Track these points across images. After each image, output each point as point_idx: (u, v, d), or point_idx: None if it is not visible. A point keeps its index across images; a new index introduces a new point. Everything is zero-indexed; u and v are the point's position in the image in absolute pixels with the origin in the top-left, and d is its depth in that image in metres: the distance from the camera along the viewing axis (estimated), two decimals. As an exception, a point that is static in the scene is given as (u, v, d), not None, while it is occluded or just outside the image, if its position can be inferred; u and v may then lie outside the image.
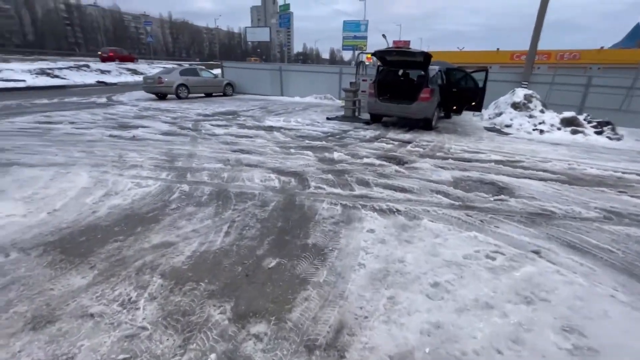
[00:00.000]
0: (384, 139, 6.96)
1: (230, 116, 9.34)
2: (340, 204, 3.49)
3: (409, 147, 6.34)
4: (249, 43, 73.54)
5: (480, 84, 8.21)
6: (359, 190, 3.89)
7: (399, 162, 5.26)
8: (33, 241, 2.47)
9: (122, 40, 66.75)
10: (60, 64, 21.45)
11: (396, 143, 6.64)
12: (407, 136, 7.42)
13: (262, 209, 3.29)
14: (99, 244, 2.47)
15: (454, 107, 8.75)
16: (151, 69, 25.73)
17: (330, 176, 4.38)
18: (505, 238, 2.88)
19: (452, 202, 3.65)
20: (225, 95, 15.34)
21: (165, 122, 7.94)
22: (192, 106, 11.27)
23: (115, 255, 2.31)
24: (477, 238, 2.83)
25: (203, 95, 14.85)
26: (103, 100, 12.38)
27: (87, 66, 22.21)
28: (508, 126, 8.67)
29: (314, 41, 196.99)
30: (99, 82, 19.50)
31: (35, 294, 1.91)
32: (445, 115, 10.22)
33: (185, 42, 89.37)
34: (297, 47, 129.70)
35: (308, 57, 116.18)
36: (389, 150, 6.00)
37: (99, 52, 31.36)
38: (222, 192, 3.69)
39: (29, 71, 17.74)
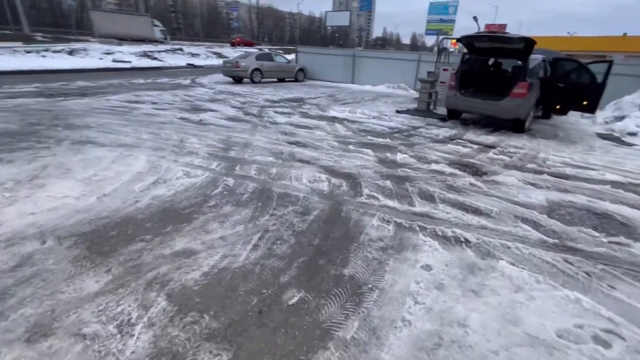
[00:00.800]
0: (461, 141, 5.96)
1: (295, 103, 9.14)
2: (394, 222, 2.90)
3: (491, 153, 5.29)
4: (329, 28, 73.14)
5: (600, 79, 6.48)
6: (420, 206, 3.23)
7: (476, 172, 4.35)
8: (71, 229, 2.47)
9: (215, 25, 72.37)
10: (160, 47, 23.99)
11: (475, 147, 5.61)
12: (490, 139, 6.26)
13: (302, 217, 2.90)
14: (125, 242, 2.35)
15: (558, 106, 7.13)
16: (234, 52, 27.20)
17: (388, 183, 3.78)
18: (625, 309, 2.00)
19: (545, 238, 2.77)
20: (296, 80, 15.30)
21: (233, 107, 8.06)
22: (263, 91, 11.40)
23: (134, 259, 2.16)
24: (581, 303, 2.01)
25: (276, 80, 15.04)
26: (187, 82, 13.33)
27: (181, 50, 24.41)
28: (632, 134, 6.76)
29: (395, 26, 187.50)
30: (188, 64, 21.25)
31: (47, 296, 1.81)
32: (543, 115, 8.48)
33: (269, 27, 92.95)
34: (377, 32, 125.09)
35: (387, 42, 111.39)
36: (464, 156, 5.06)
37: (230, 39, 41.05)
38: (266, 191, 3.40)
39: (135, 53, 20.15)
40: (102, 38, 24.06)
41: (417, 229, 2.80)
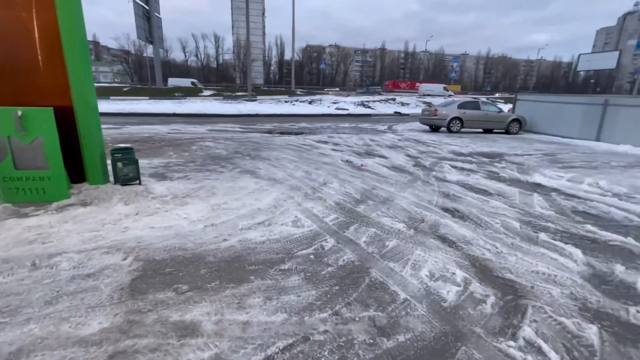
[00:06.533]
0: None
1: (488, 159, 7.27)
2: None
3: None
4: (581, 73, 58.82)
5: None
6: None
7: None
8: (152, 253, 2.56)
9: (438, 76, 74.98)
10: (377, 97, 26.96)
11: None
12: None
13: (376, 338, 1.79)
14: (161, 287, 2.15)
15: None
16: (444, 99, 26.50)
17: (590, 332, 1.90)
18: None
19: None
20: (507, 133, 12.69)
21: (408, 156, 7.35)
22: (455, 142, 10.01)
23: (141, 311, 1.87)
24: None
25: (481, 130, 13.15)
26: (383, 128, 13.85)
27: (394, 99, 26.39)
28: None
29: None
30: (395, 112, 22.52)
31: (43, 318, 1.78)
32: None
33: (497, 75, 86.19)
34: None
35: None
36: None
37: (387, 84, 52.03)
38: (358, 271, 2.47)
39: (354, 103, 23.50)
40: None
41: None
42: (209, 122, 13.90)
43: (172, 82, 38.50)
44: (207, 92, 26.74)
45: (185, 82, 38.15)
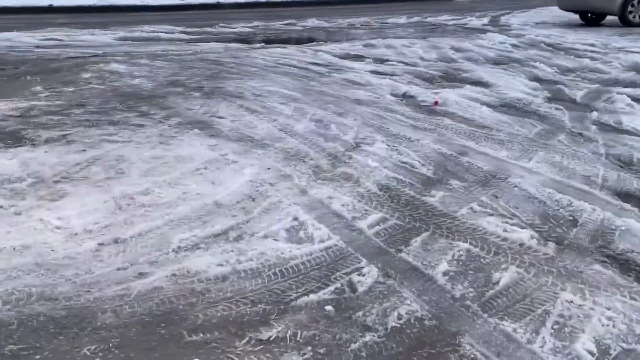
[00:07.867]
0: None
1: None
2: None
3: None
4: None
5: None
6: None
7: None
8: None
9: None
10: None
11: None
12: None
13: None
14: None
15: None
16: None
17: None
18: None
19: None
20: None
21: (535, 80, 7.53)
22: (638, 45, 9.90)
23: None
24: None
25: None
26: (482, 22, 14.04)
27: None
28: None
29: None
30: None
31: None
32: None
33: None
34: None
35: None
36: None
37: None
38: (439, 345, 2.21)
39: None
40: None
41: None
42: (121, 22, 14.24)
43: None
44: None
45: None
